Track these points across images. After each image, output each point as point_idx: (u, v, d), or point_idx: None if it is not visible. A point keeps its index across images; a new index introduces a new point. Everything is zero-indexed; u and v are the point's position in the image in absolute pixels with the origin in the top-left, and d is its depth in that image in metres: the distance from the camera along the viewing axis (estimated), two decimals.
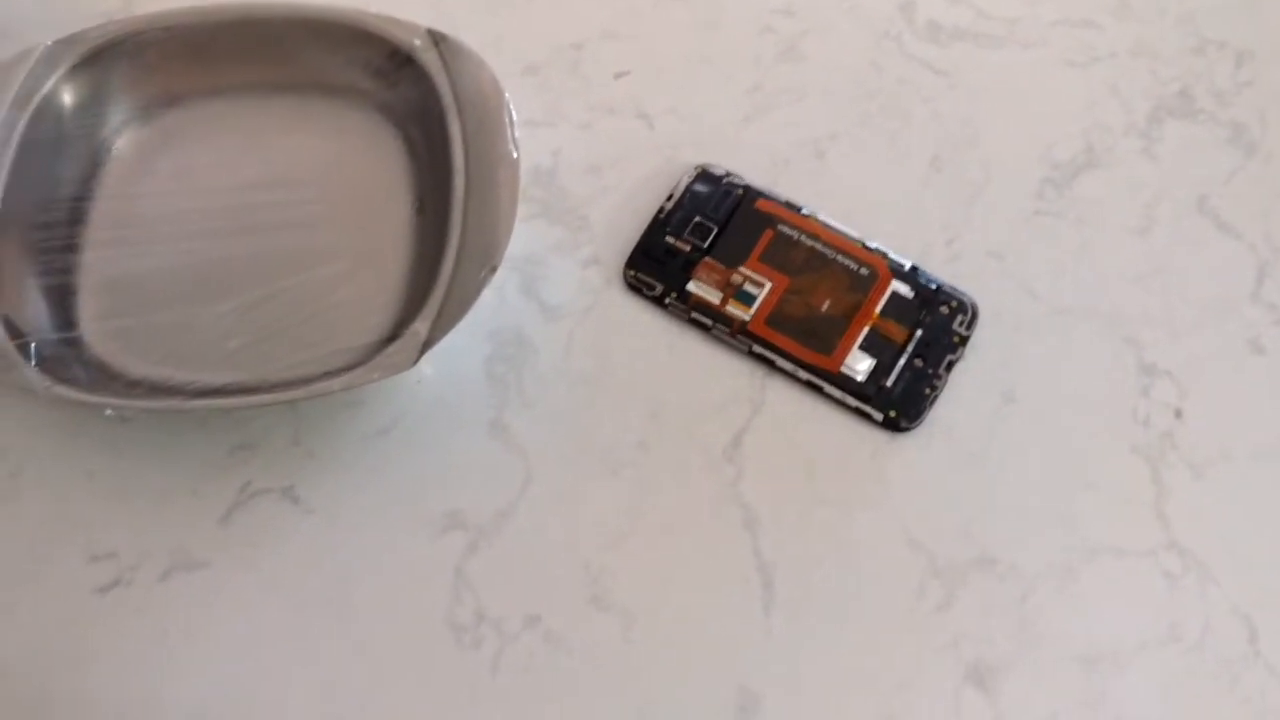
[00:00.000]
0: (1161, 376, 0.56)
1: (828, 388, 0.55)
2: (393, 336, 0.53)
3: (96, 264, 0.56)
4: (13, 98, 0.56)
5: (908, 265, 0.57)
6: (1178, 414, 0.55)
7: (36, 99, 0.57)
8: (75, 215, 0.57)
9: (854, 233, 0.58)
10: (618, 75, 0.63)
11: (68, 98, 0.58)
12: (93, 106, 0.58)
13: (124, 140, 0.59)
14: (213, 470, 0.55)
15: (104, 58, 0.58)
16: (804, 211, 0.58)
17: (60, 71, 0.57)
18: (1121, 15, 0.64)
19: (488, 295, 0.51)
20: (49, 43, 0.57)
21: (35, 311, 0.53)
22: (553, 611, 0.52)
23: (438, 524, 0.53)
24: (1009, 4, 0.64)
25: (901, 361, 0.55)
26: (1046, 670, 0.51)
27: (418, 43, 0.57)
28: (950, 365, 0.55)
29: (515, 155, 0.54)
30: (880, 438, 0.55)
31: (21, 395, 0.52)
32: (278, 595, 0.52)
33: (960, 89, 0.62)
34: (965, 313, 0.56)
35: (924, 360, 0.55)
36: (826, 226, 0.58)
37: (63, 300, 0.55)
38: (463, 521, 0.53)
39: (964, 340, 0.56)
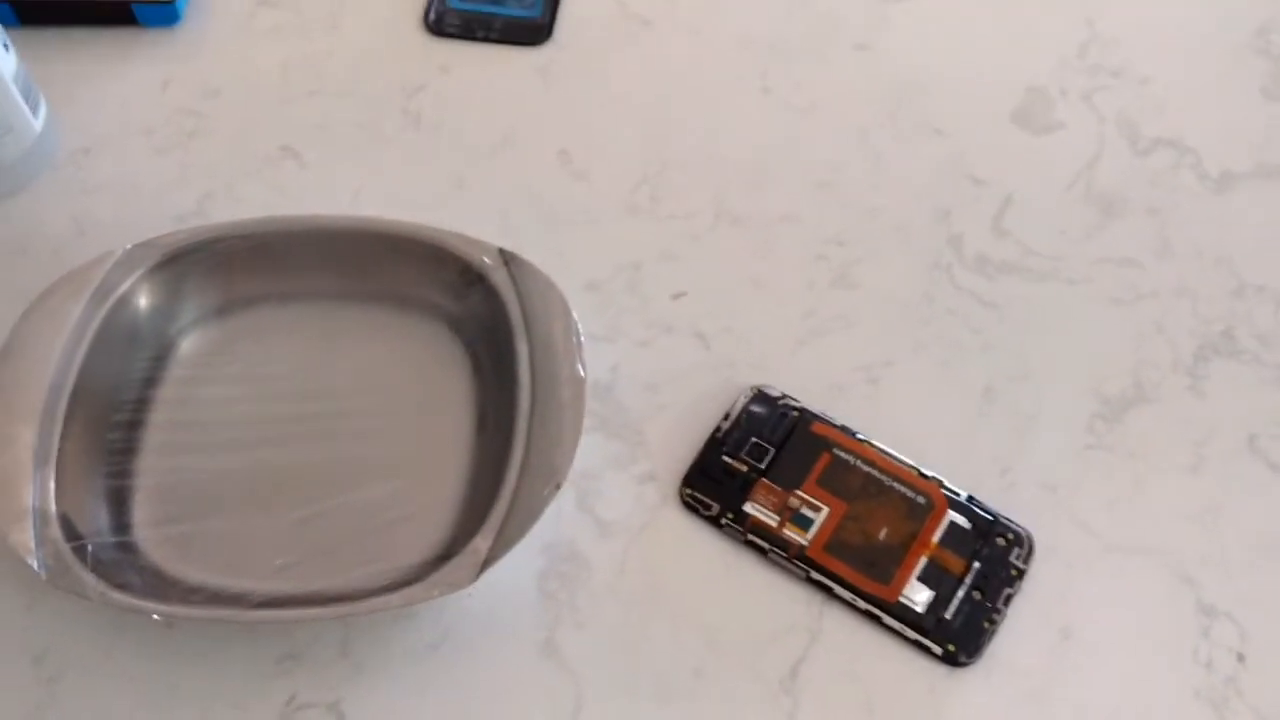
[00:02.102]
0: (1220, 618, 0.55)
1: (886, 618, 0.54)
2: (450, 552, 0.52)
3: (154, 468, 0.56)
4: (89, 298, 0.57)
5: (963, 495, 0.57)
6: (1240, 658, 0.54)
7: (112, 299, 0.58)
8: (138, 417, 0.57)
9: (909, 459, 0.58)
10: (675, 295, 0.64)
11: (143, 299, 0.59)
12: (166, 307, 0.60)
13: (191, 339, 0.60)
14: (258, 681, 0.53)
15: (181, 262, 0.59)
16: (859, 436, 0.59)
17: (138, 273, 0.59)
18: (1162, 255, 0.66)
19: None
20: (128, 246, 0.59)
21: (94, 513, 0.53)
22: None
23: None
24: (1053, 242, 0.67)
25: (960, 594, 0.55)
26: None
27: (489, 261, 0.58)
28: (1009, 599, 0.55)
29: (582, 374, 0.55)
30: (939, 672, 0.54)
31: (68, 596, 0.51)
32: None
33: (1009, 321, 0.64)
34: (1021, 545, 0.56)
35: (982, 593, 0.55)
36: (882, 453, 0.58)
37: (120, 503, 0.54)
38: None
39: (1021, 574, 0.56)
